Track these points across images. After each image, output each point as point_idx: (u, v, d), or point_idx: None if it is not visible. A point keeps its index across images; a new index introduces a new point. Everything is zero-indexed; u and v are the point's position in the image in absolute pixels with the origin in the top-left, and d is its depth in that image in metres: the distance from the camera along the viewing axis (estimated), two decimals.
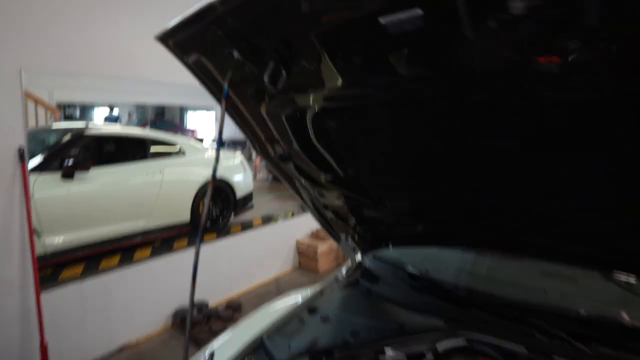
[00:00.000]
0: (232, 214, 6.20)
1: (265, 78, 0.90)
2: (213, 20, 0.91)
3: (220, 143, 0.97)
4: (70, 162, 4.47)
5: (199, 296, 4.17)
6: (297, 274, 5.23)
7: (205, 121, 14.54)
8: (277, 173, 1.73)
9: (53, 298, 3.07)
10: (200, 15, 0.92)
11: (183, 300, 4.05)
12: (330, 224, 2.06)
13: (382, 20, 0.74)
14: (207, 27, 0.95)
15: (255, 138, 1.49)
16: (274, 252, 5.09)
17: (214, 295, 4.31)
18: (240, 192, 6.04)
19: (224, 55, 1.04)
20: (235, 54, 0.97)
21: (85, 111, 12.55)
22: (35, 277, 2.89)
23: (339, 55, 0.91)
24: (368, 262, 2.21)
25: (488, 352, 1.55)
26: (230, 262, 4.57)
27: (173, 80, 4.70)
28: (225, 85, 0.96)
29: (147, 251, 4.70)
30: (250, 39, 0.95)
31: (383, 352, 1.56)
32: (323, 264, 5.16)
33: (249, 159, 9.04)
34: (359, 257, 2.28)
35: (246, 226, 5.87)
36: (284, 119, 1.28)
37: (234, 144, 11.06)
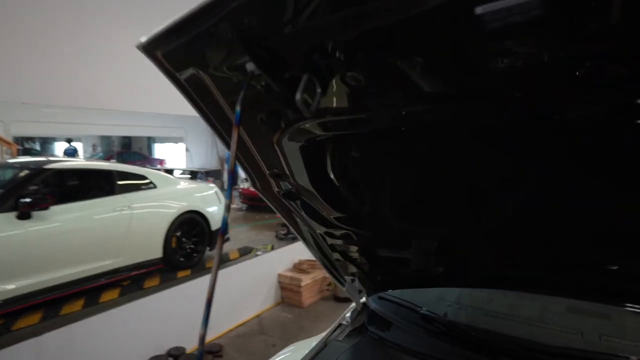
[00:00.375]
0: (207, 248, 5.86)
1: (298, 96, 0.68)
2: (222, 18, 0.70)
3: (232, 182, 0.74)
4: (27, 200, 4.09)
5: (173, 342, 3.80)
6: (280, 310, 4.91)
7: (173, 152, 14.11)
8: (278, 211, 1.50)
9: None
10: (203, 13, 0.70)
11: (158, 347, 3.67)
12: (334, 266, 1.83)
13: (480, 9, 0.54)
14: (211, 30, 0.73)
15: (257, 173, 1.27)
16: (254, 287, 4.77)
17: (191, 339, 3.94)
18: (215, 224, 5.72)
19: (232, 68, 0.82)
20: (250, 66, 0.75)
21: (46, 145, 11.93)
22: None
23: (399, 62, 0.71)
24: (374, 304, 1.99)
25: None
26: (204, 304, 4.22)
27: (142, 109, 4.46)
28: (238, 108, 0.74)
29: (115, 292, 4.32)
30: (273, 44, 0.74)
31: None
32: (307, 297, 4.88)
33: (221, 188, 8.73)
34: (363, 298, 2.05)
35: (222, 260, 5.54)
36: (298, 149, 1.07)
37: (207, 174, 10.72)
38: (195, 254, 5.71)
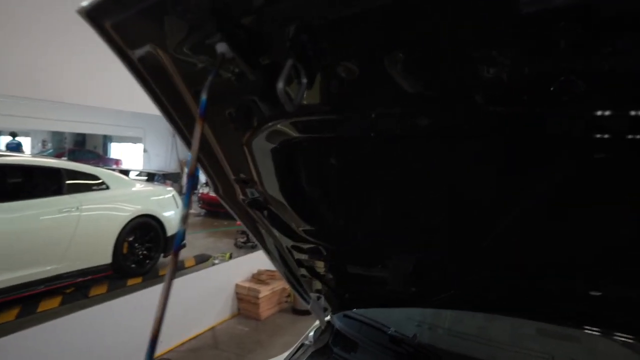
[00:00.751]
0: (162, 254, 5.57)
1: (280, 85, 0.55)
2: None
3: (191, 187, 0.60)
4: None
5: (119, 358, 3.52)
6: (236, 322, 4.69)
7: (131, 152, 13.49)
8: (241, 220, 1.36)
9: None
10: None
11: None
12: (299, 282, 1.70)
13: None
14: None
15: (220, 177, 1.12)
16: (210, 298, 4.54)
17: (139, 353, 3.67)
18: (171, 230, 5.45)
19: (198, 49, 0.68)
20: (222, 47, 0.61)
21: None
22: None
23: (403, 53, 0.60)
24: (339, 323, 1.87)
25: None
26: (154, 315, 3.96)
27: (94, 103, 4.16)
28: (204, 97, 0.60)
29: (56, 301, 4.00)
30: (251, 22, 0.61)
31: None
32: (265, 309, 4.69)
33: (180, 192, 8.39)
34: (328, 317, 1.92)
35: (177, 268, 5.27)
36: (270, 153, 0.93)
37: (165, 177, 10.27)
38: (148, 261, 5.40)
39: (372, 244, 1.28)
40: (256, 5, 0.58)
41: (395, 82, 0.66)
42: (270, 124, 0.82)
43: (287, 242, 1.41)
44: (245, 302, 4.77)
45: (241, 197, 1.18)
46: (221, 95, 0.77)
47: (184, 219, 0.59)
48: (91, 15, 0.67)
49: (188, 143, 0.97)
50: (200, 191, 9.90)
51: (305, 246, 1.40)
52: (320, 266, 1.57)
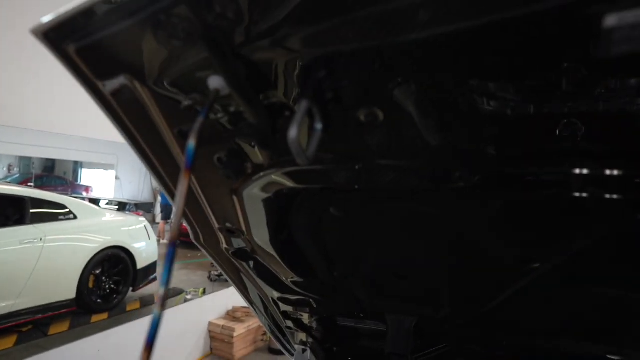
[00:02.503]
0: (130, 288, 5.26)
1: (293, 133, 0.43)
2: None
3: (175, 247, 0.47)
4: None
5: None
6: None
7: (102, 180, 13.04)
8: (222, 269, 1.22)
9: None
10: None
11: None
12: (283, 334, 1.55)
13: (609, 21, 0.35)
14: (160, 16, 0.46)
15: (203, 225, 0.99)
16: (181, 337, 4.28)
17: None
18: (142, 262, 5.20)
19: (187, 82, 0.56)
20: (216, 81, 0.49)
21: None
22: None
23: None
24: None
25: None
26: (125, 354, 3.67)
27: (66, 131, 3.97)
28: (192, 143, 0.47)
29: (11, 340, 3.68)
30: (254, 52, 0.49)
31: None
32: (240, 349, 4.44)
33: (152, 222, 8.09)
34: None
35: (146, 302, 4.99)
36: (262, 202, 0.81)
37: (137, 207, 9.89)
38: (115, 295, 5.08)
39: (369, 299, 1.16)
40: (260, 32, 0.47)
41: (413, 131, 0.56)
42: (266, 172, 0.70)
43: (273, 294, 1.27)
44: (218, 341, 4.52)
45: (225, 246, 1.05)
46: (209, 136, 0.65)
47: (163, 300, 0.45)
48: (50, 37, 0.53)
49: (168, 190, 0.84)
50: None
51: (294, 298, 1.26)
52: (308, 318, 1.43)
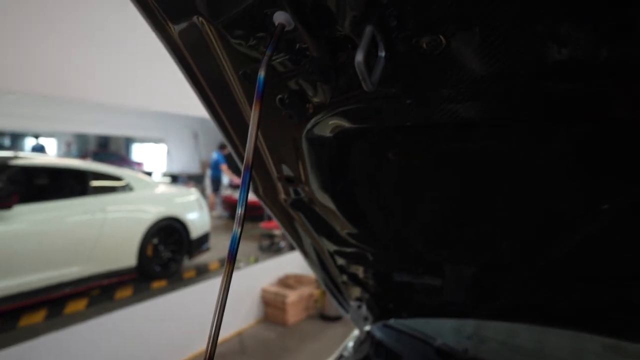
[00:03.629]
0: (186, 256, 5.52)
1: (359, 57, 0.43)
2: None
3: (249, 179, 0.47)
4: None
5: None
6: (262, 327, 4.58)
7: (153, 154, 13.58)
8: (279, 221, 1.23)
9: None
10: None
11: None
12: (339, 289, 1.57)
13: None
14: None
15: (262, 175, 1.00)
16: (235, 302, 4.44)
17: (167, 356, 3.59)
18: (195, 233, 5.41)
19: (254, 19, 0.55)
20: (281, 16, 0.49)
21: (17, 142, 11.31)
22: None
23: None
24: (379, 334, 1.73)
25: None
26: (185, 317, 3.88)
27: (122, 102, 4.13)
28: (262, 74, 0.48)
29: (82, 303, 3.98)
30: None
31: None
32: (292, 315, 4.56)
33: (203, 194, 8.36)
34: (367, 326, 1.79)
35: (201, 271, 5.22)
36: (321, 146, 0.80)
37: (189, 178, 10.27)
38: (172, 264, 5.36)
39: (427, 250, 1.14)
40: None
41: (477, 60, 0.53)
42: (327, 112, 0.69)
43: (329, 247, 1.28)
44: (271, 307, 4.66)
45: (283, 196, 1.06)
46: (271, 77, 0.64)
47: (241, 220, 0.46)
48: None
49: (228, 136, 0.85)
50: (223, 193, 9.89)
51: (349, 250, 1.26)
52: (363, 273, 1.43)
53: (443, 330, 1.72)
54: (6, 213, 3.62)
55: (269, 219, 8.91)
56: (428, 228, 1.06)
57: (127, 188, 5.06)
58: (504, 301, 1.38)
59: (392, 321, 1.75)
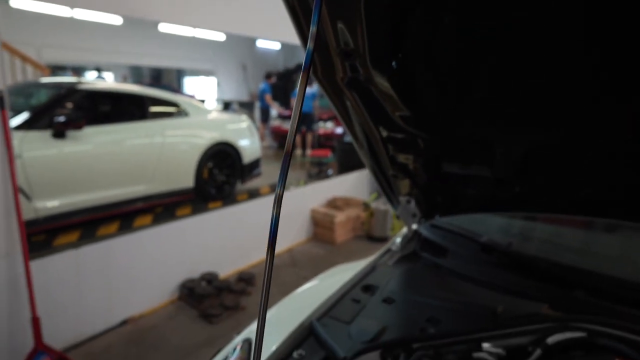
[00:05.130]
0: (239, 181, 5.81)
1: None
2: None
3: (312, 55, 0.47)
4: (62, 118, 4.04)
5: (206, 267, 3.80)
6: (311, 245, 4.85)
7: (204, 87, 13.86)
8: (333, 103, 1.28)
9: (45, 266, 2.68)
10: None
11: (189, 271, 3.68)
12: (389, 183, 1.64)
13: None
14: None
15: (322, 50, 1.05)
16: (286, 221, 4.69)
17: (223, 266, 3.94)
18: (247, 158, 5.62)
19: None
20: None
21: (78, 74, 11.85)
22: (23, 243, 2.48)
23: None
24: (426, 231, 1.82)
25: (619, 348, 1.17)
26: (239, 231, 4.18)
27: (183, 23, 4.23)
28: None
29: (148, 218, 4.34)
30: None
31: (478, 348, 1.18)
32: (340, 234, 4.78)
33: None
34: (415, 225, 1.88)
35: (253, 194, 5.49)
36: (383, 13, 0.83)
37: (240, 106, 10.51)
38: (227, 186, 5.68)
39: (479, 128, 1.17)
40: None
41: None
42: None
43: (381, 132, 1.34)
44: (320, 227, 4.88)
45: (340, 75, 1.11)
46: None
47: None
48: None
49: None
50: (272, 124, 10.08)
51: (400, 136, 1.31)
52: (414, 163, 1.49)
53: (489, 229, 1.78)
54: (78, 133, 3.91)
55: (319, 147, 9.05)
56: (481, 104, 1.09)
57: (182, 113, 5.28)
58: (550, 190, 1.41)
59: (439, 220, 1.83)
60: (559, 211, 1.48)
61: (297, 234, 4.84)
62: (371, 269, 1.68)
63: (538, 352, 1.16)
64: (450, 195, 1.65)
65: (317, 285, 1.77)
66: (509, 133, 1.15)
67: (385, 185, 1.64)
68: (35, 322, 2.45)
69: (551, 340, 1.18)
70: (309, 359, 1.21)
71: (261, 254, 4.38)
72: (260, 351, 0.49)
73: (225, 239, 3.99)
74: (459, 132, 1.24)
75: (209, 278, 3.63)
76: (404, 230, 1.91)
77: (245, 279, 3.81)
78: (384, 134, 1.33)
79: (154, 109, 5.16)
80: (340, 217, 4.70)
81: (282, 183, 0.48)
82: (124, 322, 3.19)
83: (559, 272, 1.47)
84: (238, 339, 1.42)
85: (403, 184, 1.63)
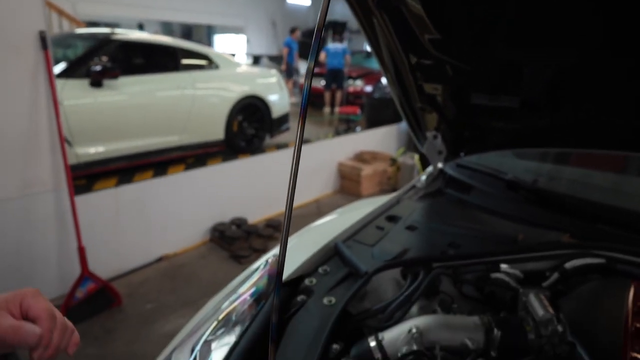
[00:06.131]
0: (268, 134, 5.90)
1: None
2: None
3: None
4: (98, 68, 4.16)
5: (236, 213, 3.94)
6: (338, 197, 4.93)
7: (233, 44, 13.82)
8: (362, 25, 1.29)
9: (88, 202, 2.86)
10: None
11: (220, 216, 3.84)
12: (416, 117, 1.65)
13: None
14: None
15: None
16: (313, 173, 4.77)
17: (252, 213, 4.08)
18: (276, 112, 5.67)
19: None
20: None
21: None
22: (68, 178, 2.65)
23: None
24: (451, 170, 1.84)
25: (637, 272, 1.20)
26: (267, 180, 4.29)
27: None
28: None
29: (180, 167, 4.50)
30: None
31: (496, 269, 1.22)
32: (367, 187, 4.83)
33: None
34: (440, 163, 1.90)
35: (281, 147, 5.57)
36: None
37: (270, 59, 10.49)
38: (256, 140, 5.78)
39: (508, 49, 1.17)
40: None
41: None
42: None
43: (409, 58, 1.35)
44: (347, 180, 4.94)
45: None
46: None
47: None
48: None
49: None
50: (300, 81, 10.03)
51: (429, 62, 1.32)
52: (442, 94, 1.49)
53: (515, 171, 1.78)
54: (114, 83, 4.03)
55: (347, 104, 9.00)
56: (511, 25, 1.09)
57: (213, 66, 5.34)
58: (580, 121, 1.40)
59: (464, 160, 1.84)
60: (588, 145, 1.47)
61: (324, 186, 4.92)
62: (395, 202, 1.73)
63: (555, 276, 1.19)
64: (478, 129, 1.66)
65: (337, 218, 1.83)
66: (538, 54, 1.14)
67: (412, 119, 1.66)
68: (81, 251, 2.65)
69: (569, 265, 1.21)
70: (333, 274, 1.28)
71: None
72: (284, 260, 0.52)
73: (254, 187, 4.11)
74: (488, 56, 1.23)
75: (239, 223, 3.78)
76: (430, 168, 1.94)
77: (273, 225, 3.94)
78: (413, 60, 1.34)
79: (186, 61, 5.24)
80: (367, 170, 4.74)
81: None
82: (159, 259, 3.40)
83: (584, 206, 1.48)
84: (269, 254, 1.52)
85: (430, 118, 1.65)
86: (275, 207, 4.39)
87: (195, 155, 5.03)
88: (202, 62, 5.44)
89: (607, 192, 1.59)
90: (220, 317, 1.19)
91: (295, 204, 4.60)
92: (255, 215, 4.14)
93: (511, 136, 1.61)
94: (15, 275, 2.60)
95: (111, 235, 3.08)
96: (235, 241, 3.49)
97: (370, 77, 9.42)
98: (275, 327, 0.48)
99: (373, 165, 4.86)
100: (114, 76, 4.18)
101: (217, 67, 5.28)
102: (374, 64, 10.56)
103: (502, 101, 1.41)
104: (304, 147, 4.85)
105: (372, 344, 0.94)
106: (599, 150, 1.51)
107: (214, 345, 1.10)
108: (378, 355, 0.93)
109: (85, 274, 2.65)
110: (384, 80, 9.00)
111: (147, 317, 2.71)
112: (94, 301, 2.68)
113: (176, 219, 3.52)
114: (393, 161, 5.04)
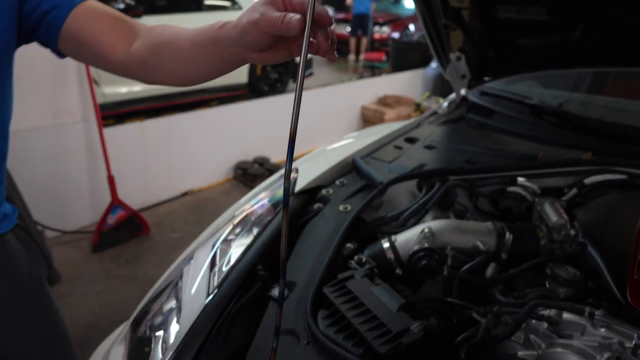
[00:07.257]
0: (291, 79, 5.85)
1: None
2: None
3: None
4: (122, 6, 4.15)
5: (258, 152, 3.99)
6: None
7: None
8: None
9: (116, 135, 2.94)
10: None
11: (243, 155, 3.90)
12: (439, 36, 1.60)
13: None
14: None
15: None
16: (336, 116, 4.73)
17: (274, 152, 4.11)
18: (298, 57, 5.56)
19: None
20: None
21: None
22: (96, 110, 2.72)
23: None
24: (474, 98, 1.80)
25: None
26: (289, 121, 4.28)
27: None
28: None
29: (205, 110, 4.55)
30: None
31: (513, 182, 1.22)
32: None
33: None
34: (463, 90, 1.86)
35: (305, 89, 5.53)
36: None
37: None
38: (279, 84, 5.76)
39: None
40: None
41: None
42: None
43: None
44: (370, 124, 4.89)
45: None
46: None
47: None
48: None
49: None
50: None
51: None
52: (468, 8, 1.44)
53: (541, 96, 1.73)
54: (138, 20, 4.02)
55: (372, 49, 8.78)
56: None
57: (236, 7, 5.25)
58: (610, 37, 1.34)
59: (487, 87, 1.80)
60: (617, 64, 1.42)
61: (347, 130, 4.89)
62: (415, 126, 1.72)
63: (574, 191, 1.18)
64: (504, 48, 1.60)
65: (352, 142, 1.82)
66: None
67: (436, 39, 1.61)
68: (111, 179, 2.76)
69: (589, 180, 1.20)
70: (350, 186, 1.30)
71: (311, 145, 4.51)
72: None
73: (277, 127, 4.11)
74: None
75: (261, 161, 3.84)
76: (452, 95, 1.90)
77: (295, 167, 3.98)
78: None
79: (209, 1, 5.16)
80: (390, 114, 4.68)
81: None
82: (184, 194, 3.51)
83: (610, 127, 1.45)
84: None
85: (455, 36, 1.60)
86: (298, 149, 4.41)
87: (218, 99, 5.06)
88: (226, 2, 5.36)
89: (635, 115, 1.54)
90: (239, 219, 1.25)
91: (316, 145, 4.60)
92: (278, 155, 4.18)
93: (539, 56, 1.55)
94: (53, 201, 2.75)
95: (139, 168, 3.19)
96: (258, 178, 3.56)
97: (397, 23, 9.08)
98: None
99: (397, 110, 4.79)
100: (138, 15, 4.18)
101: (240, 8, 5.20)
102: (402, 10, 10.15)
103: (530, 13, 1.35)
104: (328, 89, 4.80)
105: (386, 245, 0.97)
106: (630, 68, 1.45)
107: (233, 244, 1.16)
108: (390, 255, 0.96)
109: (115, 202, 2.78)
110: (411, 27, 8.68)
111: (174, 245, 2.84)
112: (124, 228, 2.82)
113: (201, 156, 3.59)
114: (417, 106, 4.96)
